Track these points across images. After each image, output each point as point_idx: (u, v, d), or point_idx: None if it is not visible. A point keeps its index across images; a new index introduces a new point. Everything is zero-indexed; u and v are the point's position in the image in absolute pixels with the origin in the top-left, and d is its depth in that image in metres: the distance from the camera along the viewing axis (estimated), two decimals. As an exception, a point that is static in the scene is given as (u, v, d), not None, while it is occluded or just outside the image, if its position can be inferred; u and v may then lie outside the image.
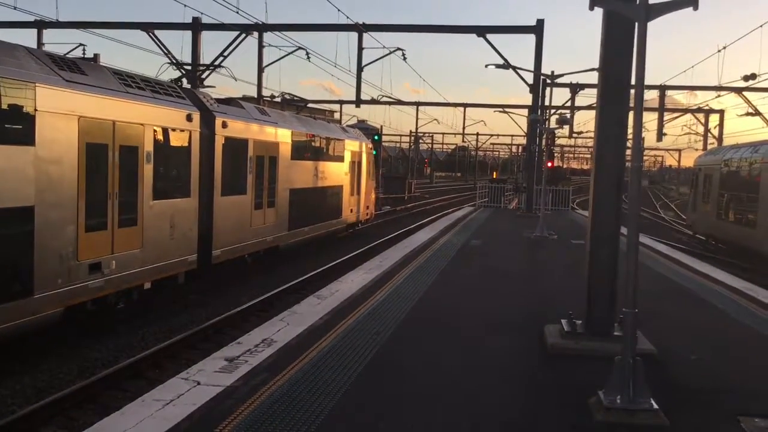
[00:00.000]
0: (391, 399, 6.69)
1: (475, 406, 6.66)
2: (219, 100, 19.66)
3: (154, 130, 14.93)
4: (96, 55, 35.42)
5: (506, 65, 26.81)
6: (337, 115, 57.41)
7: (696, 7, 6.16)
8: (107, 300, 13.69)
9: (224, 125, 18.17)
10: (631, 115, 7.48)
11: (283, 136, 22.22)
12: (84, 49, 35.78)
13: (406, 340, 8.92)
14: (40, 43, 32.88)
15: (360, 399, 6.62)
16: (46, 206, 11.60)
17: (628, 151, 8.33)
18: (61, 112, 11.94)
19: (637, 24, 6.29)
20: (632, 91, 7.43)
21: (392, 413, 6.32)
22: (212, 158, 17.71)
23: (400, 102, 42.40)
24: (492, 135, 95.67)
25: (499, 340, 9.11)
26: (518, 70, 28.41)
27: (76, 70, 12.89)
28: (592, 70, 27.82)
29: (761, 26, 27.47)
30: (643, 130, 65.53)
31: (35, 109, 11.34)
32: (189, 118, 16.31)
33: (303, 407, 6.26)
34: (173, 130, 15.89)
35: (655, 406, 6.35)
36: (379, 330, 9.23)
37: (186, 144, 16.49)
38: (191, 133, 16.57)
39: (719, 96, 39.98)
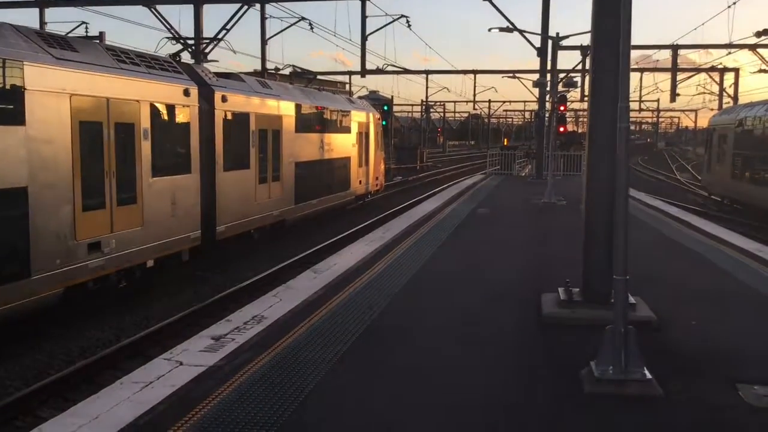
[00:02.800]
0: (374, 377, 6.50)
1: (463, 379, 6.48)
2: (219, 74, 19.38)
3: (151, 107, 14.72)
4: (101, 33, 35.14)
5: (510, 29, 26.28)
6: (348, 87, 56.92)
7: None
8: (109, 279, 13.63)
9: (224, 99, 17.94)
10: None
11: (286, 108, 21.94)
12: (87, 28, 35.55)
13: (399, 313, 8.74)
14: (42, 23, 32.67)
15: (343, 378, 6.43)
16: (39, 186, 11.47)
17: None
18: (51, 91, 11.77)
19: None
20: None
21: (373, 394, 6.13)
22: (213, 133, 17.51)
23: (407, 71, 41.91)
24: (504, 102, 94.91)
25: (495, 311, 8.91)
26: (524, 33, 27.90)
27: (67, 48, 12.68)
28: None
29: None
30: (657, 91, 64.02)
31: (24, 88, 11.16)
32: (187, 92, 16.09)
33: (283, 388, 6.09)
34: (171, 105, 15.69)
35: (648, 375, 6.15)
36: (372, 304, 9.06)
37: (185, 119, 16.28)
38: (190, 108, 16.35)
39: (729, 53, 39.11)
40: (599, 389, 6.06)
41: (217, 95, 17.65)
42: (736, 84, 46.62)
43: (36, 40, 11.98)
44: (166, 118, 15.63)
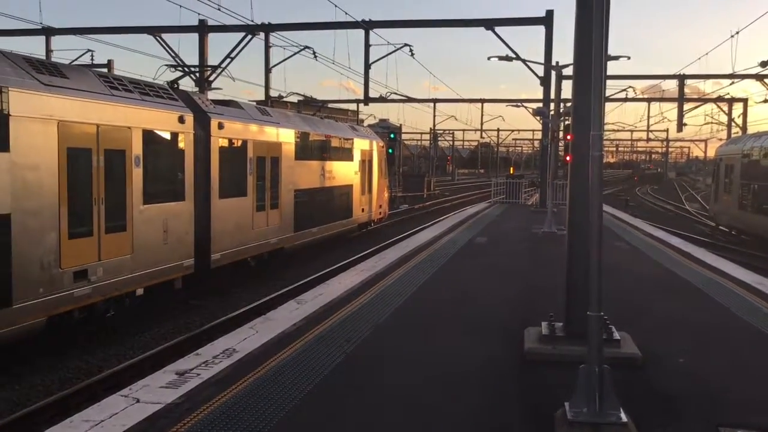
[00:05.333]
0: (340, 416, 6.21)
1: (433, 421, 6.18)
2: (217, 102, 19.36)
3: (143, 133, 14.62)
4: (110, 61, 35.44)
5: (510, 58, 26.14)
6: (360, 116, 56.90)
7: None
8: (96, 308, 13.42)
9: (221, 126, 17.86)
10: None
11: (285, 136, 21.86)
12: (92, 56, 35.71)
13: (377, 347, 8.43)
14: (48, 51, 32.95)
15: (306, 417, 6.14)
16: (23, 214, 11.34)
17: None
18: (38, 117, 11.68)
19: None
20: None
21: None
22: (208, 160, 17.41)
23: (410, 99, 41.84)
24: (513, 130, 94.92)
25: (477, 346, 8.59)
26: (527, 63, 27.79)
27: (56, 74, 12.62)
28: (612, 59, 26.94)
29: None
30: (665, 120, 63.59)
31: (8, 114, 11.07)
32: (181, 119, 15.99)
33: (240, 428, 5.81)
34: (164, 132, 15.61)
35: (624, 418, 5.82)
36: (351, 337, 8.77)
37: (179, 146, 16.18)
38: (185, 135, 16.26)
39: (733, 83, 38.83)
40: (571, 432, 5.75)
41: (214, 122, 17.58)
42: (744, 114, 46.28)
43: (23, 65, 11.93)
44: (159, 144, 15.54)
